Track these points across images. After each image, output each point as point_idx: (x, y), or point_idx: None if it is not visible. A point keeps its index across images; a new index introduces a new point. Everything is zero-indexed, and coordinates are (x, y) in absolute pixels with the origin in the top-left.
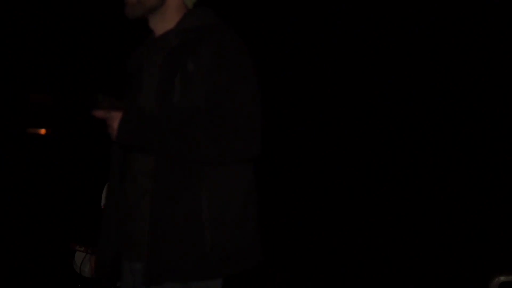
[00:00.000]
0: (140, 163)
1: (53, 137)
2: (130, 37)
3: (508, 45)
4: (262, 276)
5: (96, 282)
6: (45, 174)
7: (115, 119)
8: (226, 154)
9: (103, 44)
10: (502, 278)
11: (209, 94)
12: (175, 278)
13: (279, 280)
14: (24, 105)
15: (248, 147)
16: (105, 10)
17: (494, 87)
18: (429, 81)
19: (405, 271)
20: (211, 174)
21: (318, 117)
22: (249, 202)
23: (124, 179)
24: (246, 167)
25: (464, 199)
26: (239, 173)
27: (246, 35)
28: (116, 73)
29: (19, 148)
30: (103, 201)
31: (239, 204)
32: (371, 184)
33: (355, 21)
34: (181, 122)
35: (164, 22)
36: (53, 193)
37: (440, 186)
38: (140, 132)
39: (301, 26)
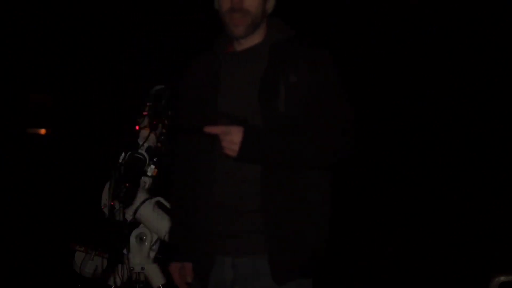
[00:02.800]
0: (245, 169)
1: (53, 137)
2: (130, 37)
3: (508, 45)
4: None
5: (96, 282)
6: (45, 174)
7: (235, 134)
8: (332, 156)
9: (103, 44)
10: (502, 278)
11: (311, 104)
12: (302, 275)
13: None
14: (24, 105)
15: (351, 148)
16: (105, 10)
17: (496, 87)
18: (429, 81)
19: (405, 271)
20: (312, 174)
21: None
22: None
23: (214, 177)
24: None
25: (464, 199)
26: (328, 174)
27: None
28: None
29: (19, 148)
30: (103, 201)
31: (328, 203)
32: (370, 184)
33: (356, 21)
34: (293, 135)
35: (255, 35)
36: (53, 193)
37: (440, 186)
38: (261, 148)
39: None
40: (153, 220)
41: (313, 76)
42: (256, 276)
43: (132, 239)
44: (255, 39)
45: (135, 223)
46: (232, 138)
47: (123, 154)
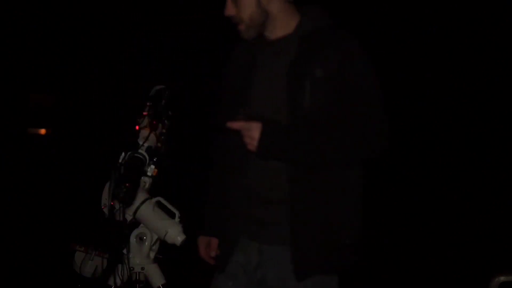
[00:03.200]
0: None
1: (53, 137)
2: (130, 37)
3: (508, 45)
4: None
5: (96, 282)
6: (45, 174)
7: (255, 130)
8: (361, 152)
9: (103, 44)
10: (502, 278)
11: (341, 98)
12: (324, 271)
13: None
14: (24, 105)
15: (384, 143)
16: (105, 10)
17: (496, 87)
18: (428, 81)
19: (405, 271)
20: (342, 171)
21: None
22: (361, 196)
23: (247, 168)
24: (363, 165)
25: (464, 199)
26: (359, 169)
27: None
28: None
29: (19, 148)
30: (103, 201)
31: (360, 200)
32: (370, 184)
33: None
34: (318, 131)
35: (279, 28)
36: (53, 193)
37: (440, 186)
38: (280, 146)
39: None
40: (153, 220)
41: (343, 69)
42: (278, 266)
43: (132, 239)
44: (282, 31)
45: (135, 223)
46: (251, 133)
47: (123, 154)
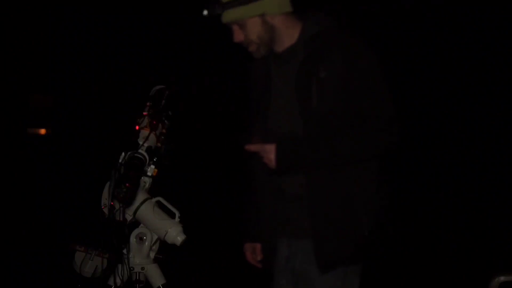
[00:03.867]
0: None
1: (53, 137)
2: (130, 37)
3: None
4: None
5: (96, 282)
6: (45, 174)
7: (270, 152)
8: (377, 149)
9: (103, 44)
10: (502, 278)
11: (348, 97)
12: (345, 262)
13: None
14: (24, 105)
15: (393, 139)
16: (105, 10)
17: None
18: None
19: (405, 271)
20: (357, 166)
21: None
22: (384, 188)
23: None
24: (378, 160)
25: (464, 199)
26: (374, 164)
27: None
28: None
29: (19, 148)
30: (103, 201)
31: (380, 190)
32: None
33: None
34: (328, 137)
35: (285, 39)
36: (53, 193)
37: (440, 186)
38: (296, 160)
39: None
40: (153, 220)
41: (348, 68)
42: (303, 257)
43: (132, 239)
44: (288, 41)
45: (135, 223)
46: (268, 155)
47: (123, 154)
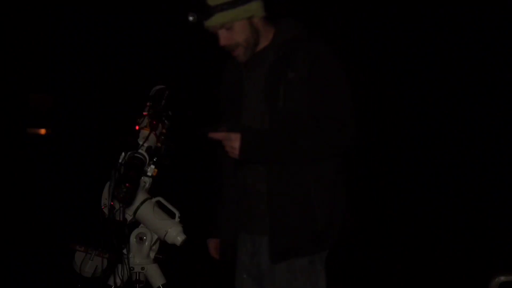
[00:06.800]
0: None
1: (53, 137)
2: (130, 37)
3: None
4: None
5: (96, 282)
6: (45, 174)
7: (235, 140)
8: (333, 149)
9: (103, 44)
10: (502, 278)
11: (311, 99)
12: (298, 254)
13: None
14: (24, 105)
15: (348, 140)
16: (104, 10)
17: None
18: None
19: (405, 271)
20: (315, 164)
21: None
22: (341, 185)
23: (239, 168)
24: (338, 159)
25: (464, 199)
26: (333, 163)
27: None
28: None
29: (19, 148)
30: (103, 201)
31: (337, 187)
32: (369, 184)
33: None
34: (290, 134)
35: (262, 42)
36: (53, 193)
37: (440, 185)
38: (258, 150)
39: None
40: (153, 220)
41: (311, 70)
42: (264, 252)
43: (132, 239)
44: (265, 41)
45: (135, 223)
46: (232, 143)
47: (123, 154)
